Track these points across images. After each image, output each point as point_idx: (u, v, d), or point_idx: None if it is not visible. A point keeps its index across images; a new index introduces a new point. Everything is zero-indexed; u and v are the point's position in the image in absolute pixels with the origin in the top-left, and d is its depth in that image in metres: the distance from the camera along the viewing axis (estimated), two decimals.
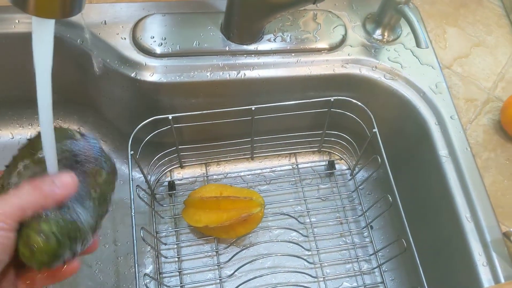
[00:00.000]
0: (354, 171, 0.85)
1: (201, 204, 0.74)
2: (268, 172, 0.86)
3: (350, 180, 0.86)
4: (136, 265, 0.61)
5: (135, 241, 0.62)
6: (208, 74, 0.69)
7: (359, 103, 0.74)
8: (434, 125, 0.69)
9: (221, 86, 0.71)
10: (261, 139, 0.82)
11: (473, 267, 0.60)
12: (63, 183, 0.39)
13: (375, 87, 0.73)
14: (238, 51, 0.70)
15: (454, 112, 0.69)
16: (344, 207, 0.83)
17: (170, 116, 0.70)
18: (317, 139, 0.84)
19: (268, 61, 0.71)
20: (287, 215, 0.79)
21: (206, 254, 0.77)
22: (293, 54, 0.71)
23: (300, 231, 0.78)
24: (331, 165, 0.86)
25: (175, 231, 0.78)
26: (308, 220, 0.81)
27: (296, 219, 0.78)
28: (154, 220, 0.78)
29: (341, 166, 0.87)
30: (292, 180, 0.85)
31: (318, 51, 0.72)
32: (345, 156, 0.87)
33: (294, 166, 0.86)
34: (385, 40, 0.74)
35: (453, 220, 0.63)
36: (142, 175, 0.74)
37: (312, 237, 0.79)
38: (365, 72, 0.72)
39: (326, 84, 0.74)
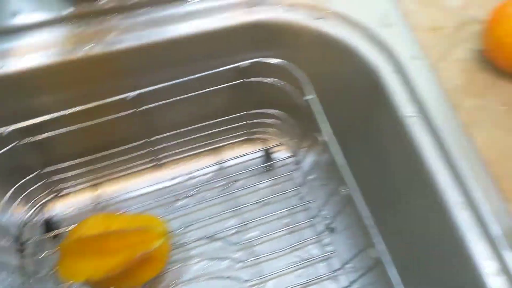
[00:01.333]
0: (299, 159, 0.63)
1: (79, 248, 0.50)
2: (186, 181, 0.63)
3: (295, 171, 0.63)
4: None
5: None
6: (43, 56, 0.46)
7: (284, 61, 0.52)
8: (390, 73, 0.47)
9: (71, 70, 0.47)
10: (166, 138, 0.59)
11: (479, 278, 0.38)
12: None
13: (299, 35, 0.51)
14: (86, 13, 0.47)
15: (417, 50, 0.47)
16: (292, 209, 0.61)
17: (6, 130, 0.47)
18: (240, 124, 0.61)
19: (137, 20, 0.48)
20: (213, 238, 0.56)
21: None
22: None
23: (236, 255, 0.56)
24: (267, 155, 0.64)
25: None
26: (246, 237, 0.59)
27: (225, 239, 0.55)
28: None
29: (281, 154, 0.64)
30: (219, 185, 0.62)
31: None
32: (284, 140, 0.64)
33: (219, 165, 0.64)
34: None
35: (438, 207, 0.41)
36: None
37: (253, 261, 0.57)
38: (280, 14, 0.50)
39: (229, 43, 0.51)
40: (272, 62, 0.52)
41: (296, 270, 0.57)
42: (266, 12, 0.50)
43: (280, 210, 0.60)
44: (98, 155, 0.57)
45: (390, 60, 0.47)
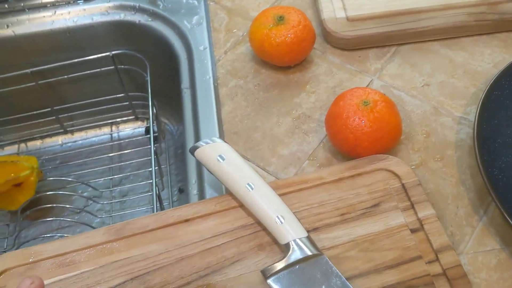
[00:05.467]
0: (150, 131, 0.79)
1: None
2: (86, 146, 0.82)
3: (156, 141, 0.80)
4: None
5: None
6: None
7: (137, 54, 0.70)
8: (184, 59, 0.63)
9: None
10: (67, 109, 0.79)
11: None
12: None
13: (141, 32, 0.69)
14: None
15: (207, 44, 0.63)
16: (151, 172, 0.77)
17: None
18: (126, 104, 0.80)
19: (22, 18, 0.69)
20: (82, 182, 0.74)
21: None
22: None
23: (98, 202, 0.74)
24: (147, 130, 0.81)
25: None
26: (113, 194, 0.76)
27: (88, 184, 0.73)
28: None
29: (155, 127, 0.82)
30: (108, 151, 0.80)
31: (75, 1, 0.69)
32: (161, 118, 0.81)
33: (111, 136, 0.82)
34: None
35: None
36: None
37: (109, 210, 0.74)
38: (128, 17, 0.68)
39: (91, 38, 0.71)
40: (127, 52, 0.70)
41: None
42: (116, 15, 0.69)
43: (146, 175, 0.77)
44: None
45: (187, 51, 0.63)
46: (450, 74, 0.57)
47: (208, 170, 0.48)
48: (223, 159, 0.46)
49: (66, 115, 0.80)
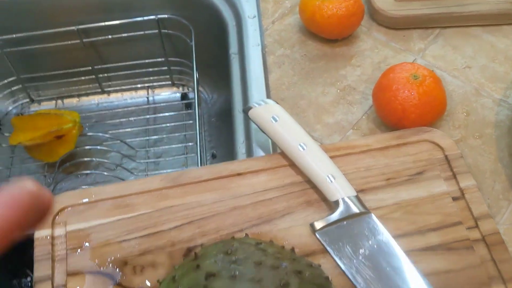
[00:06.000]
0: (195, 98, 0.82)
1: (19, 124, 0.74)
2: (122, 108, 0.84)
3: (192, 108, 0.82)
4: None
5: None
6: None
7: (182, 20, 0.72)
8: (232, 26, 0.65)
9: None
10: (107, 69, 0.82)
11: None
12: None
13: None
14: None
15: (256, 13, 0.65)
16: (191, 137, 0.79)
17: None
18: (165, 69, 0.82)
19: None
20: (119, 140, 0.76)
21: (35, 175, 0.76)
22: None
23: (134, 160, 0.76)
24: (183, 96, 0.83)
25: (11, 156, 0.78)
26: (148, 154, 0.78)
27: (125, 142, 0.75)
28: None
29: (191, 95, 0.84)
30: (143, 114, 0.83)
31: None
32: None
33: (147, 99, 0.84)
34: None
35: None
36: None
37: (143, 169, 0.76)
38: None
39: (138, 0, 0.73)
40: (173, 18, 0.72)
41: None
42: None
43: (182, 138, 0.79)
44: (60, 75, 0.81)
45: (235, 18, 0.65)
46: (491, 59, 0.59)
47: (261, 129, 0.50)
48: (277, 120, 0.48)
49: (105, 75, 0.82)
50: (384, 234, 0.43)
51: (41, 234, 0.45)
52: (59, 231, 0.46)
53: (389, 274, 0.41)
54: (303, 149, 0.47)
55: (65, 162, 0.74)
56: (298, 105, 0.57)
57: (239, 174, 0.48)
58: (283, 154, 0.49)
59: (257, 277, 0.34)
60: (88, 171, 0.75)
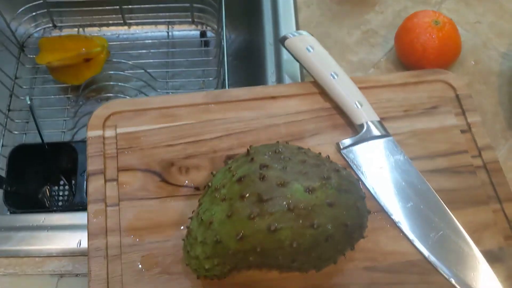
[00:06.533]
0: (221, 38, 0.86)
1: (48, 44, 0.76)
2: (142, 40, 0.87)
3: (215, 47, 0.86)
4: None
5: None
6: None
7: None
8: None
9: None
10: (130, 1, 0.84)
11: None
12: None
13: None
14: None
15: None
16: (208, 73, 0.84)
17: None
18: (187, 6, 0.85)
19: None
20: (143, 69, 0.80)
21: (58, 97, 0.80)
22: None
23: (155, 89, 0.80)
24: (202, 34, 0.87)
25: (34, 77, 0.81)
26: (167, 86, 0.82)
27: (147, 72, 0.79)
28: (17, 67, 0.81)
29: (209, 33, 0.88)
30: (163, 47, 0.86)
31: None
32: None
33: (167, 34, 0.88)
34: None
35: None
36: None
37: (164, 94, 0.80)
38: None
39: None
40: None
41: None
42: None
43: (200, 73, 0.84)
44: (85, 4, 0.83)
45: None
46: (499, 17, 0.65)
47: (295, 59, 0.55)
48: (311, 51, 0.53)
49: (128, 7, 0.85)
50: (401, 154, 0.49)
51: (93, 134, 0.50)
52: (109, 132, 0.50)
53: (404, 188, 0.48)
54: (335, 77, 0.52)
55: (88, 86, 0.77)
56: (325, 43, 0.61)
57: (273, 98, 0.54)
58: (313, 83, 0.54)
59: (303, 171, 0.39)
60: (110, 94, 0.79)
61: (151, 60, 0.84)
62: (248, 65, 0.74)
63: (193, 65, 0.85)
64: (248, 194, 0.38)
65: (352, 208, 0.39)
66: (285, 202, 0.37)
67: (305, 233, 0.37)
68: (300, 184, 0.38)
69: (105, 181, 0.47)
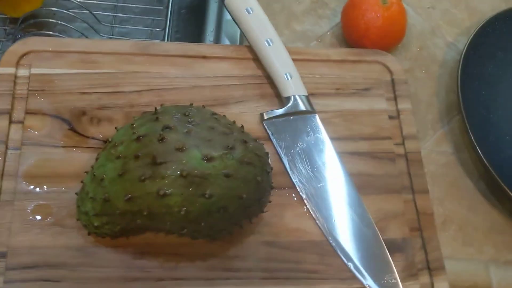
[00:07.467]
0: None
1: None
2: None
3: None
4: None
5: None
6: None
7: None
8: None
9: None
10: None
11: None
12: None
13: None
14: None
15: None
16: (158, 23, 0.80)
17: None
18: None
19: None
20: (88, 11, 0.76)
21: None
22: None
23: (99, 33, 0.76)
24: None
25: None
26: (113, 31, 0.78)
27: (93, 14, 0.75)
28: None
29: None
30: None
31: None
32: None
33: None
34: None
35: None
36: None
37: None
38: None
39: None
40: None
41: None
42: None
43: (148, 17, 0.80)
44: None
45: None
46: (454, 5, 0.64)
47: (233, 19, 0.52)
48: (250, 13, 0.51)
49: None
50: (323, 133, 0.48)
51: (4, 71, 0.47)
52: (23, 72, 0.47)
53: (319, 168, 0.47)
54: (270, 44, 0.50)
55: (28, 19, 0.73)
56: (271, 8, 0.59)
57: (204, 57, 0.51)
58: (249, 48, 0.52)
59: (207, 138, 0.38)
60: (50, 32, 0.74)
61: (100, 2, 0.80)
62: (201, 21, 0.71)
63: (144, 13, 0.80)
64: (142, 155, 0.36)
65: (251, 182, 0.38)
66: (179, 168, 0.35)
67: (196, 202, 0.36)
68: (199, 151, 0.36)
69: (10, 122, 0.45)
